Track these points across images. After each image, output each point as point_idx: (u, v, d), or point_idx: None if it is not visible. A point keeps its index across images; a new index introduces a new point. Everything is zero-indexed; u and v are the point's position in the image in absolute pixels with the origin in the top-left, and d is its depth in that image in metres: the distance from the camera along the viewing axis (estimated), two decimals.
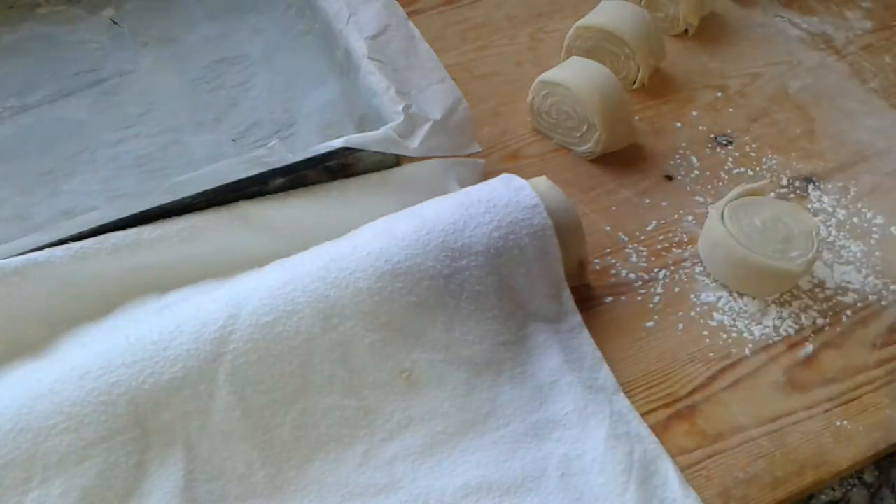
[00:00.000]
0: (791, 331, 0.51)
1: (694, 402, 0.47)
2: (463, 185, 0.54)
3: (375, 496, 0.42)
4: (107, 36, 0.71)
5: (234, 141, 0.62)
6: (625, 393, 0.47)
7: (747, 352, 0.50)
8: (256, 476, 0.42)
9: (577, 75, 0.60)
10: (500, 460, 0.43)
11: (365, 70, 0.57)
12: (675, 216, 0.57)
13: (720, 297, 0.52)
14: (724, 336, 0.51)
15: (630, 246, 0.56)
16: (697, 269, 0.54)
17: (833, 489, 0.46)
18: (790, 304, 0.52)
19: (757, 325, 0.51)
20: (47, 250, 0.47)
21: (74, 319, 0.48)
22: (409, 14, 0.62)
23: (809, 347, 0.50)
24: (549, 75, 0.61)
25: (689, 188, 0.59)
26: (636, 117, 0.64)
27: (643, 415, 0.46)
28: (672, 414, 0.47)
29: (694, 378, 0.49)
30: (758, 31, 0.73)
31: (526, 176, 0.51)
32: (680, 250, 0.55)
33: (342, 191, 0.53)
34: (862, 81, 0.68)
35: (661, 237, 0.56)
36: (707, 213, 0.53)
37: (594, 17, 0.65)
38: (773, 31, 0.73)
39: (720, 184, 0.59)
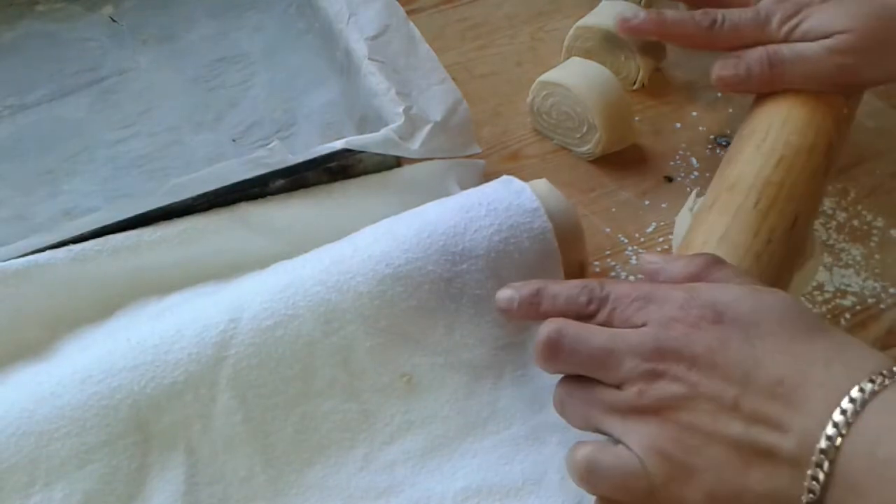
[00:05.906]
0: None
1: None
2: (463, 185, 0.54)
3: (376, 499, 0.42)
4: (106, 34, 0.71)
5: (234, 141, 0.62)
6: None
7: None
8: (258, 480, 0.42)
9: (576, 76, 0.60)
10: (500, 463, 0.43)
11: (365, 71, 0.57)
12: (675, 218, 0.57)
13: None
14: None
15: (630, 248, 0.56)
16: None
17: None
18: None
19: None
20: (48, 252, 0.47)
21: (75, 322, 0.48)
22: (409, 13, 0.62)
23: None
24: (549, 76, 0.61)
25: (688, 189, 0.59)
26: (636, 118, 0.64)
27: None
28: None
29: None
30: None
31: (526, 177, 0.50)
32: None
33: (343, 192, 0.53)
34: None
35: (661, 239, 0.56)
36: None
37: (594, 18, 0.65)
38: None
39: None
